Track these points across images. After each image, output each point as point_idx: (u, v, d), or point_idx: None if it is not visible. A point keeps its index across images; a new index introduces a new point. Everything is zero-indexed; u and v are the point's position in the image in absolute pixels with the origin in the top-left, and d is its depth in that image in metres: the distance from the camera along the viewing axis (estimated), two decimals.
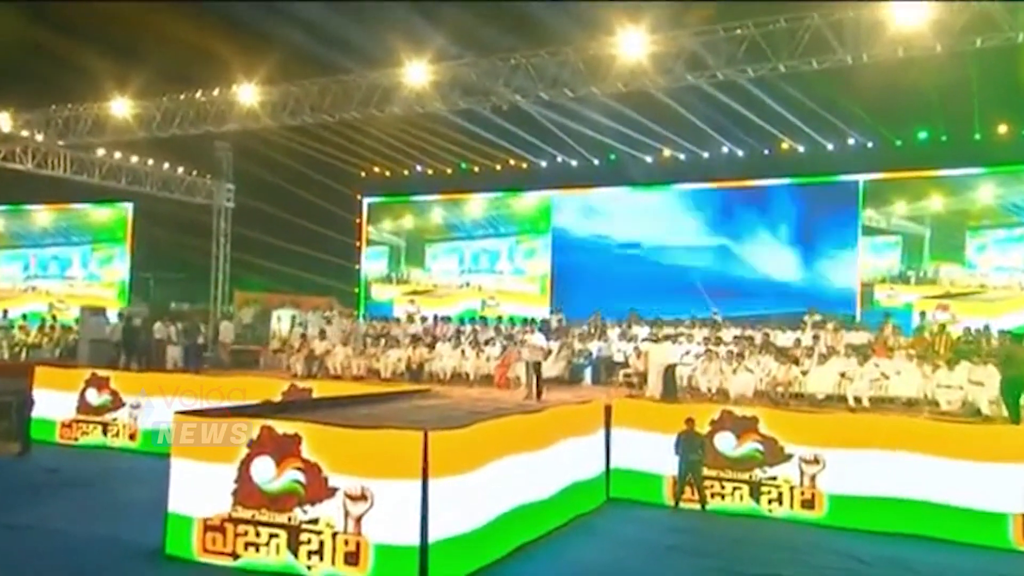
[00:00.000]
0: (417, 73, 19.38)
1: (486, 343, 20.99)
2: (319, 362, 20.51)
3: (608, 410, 14.76)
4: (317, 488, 10.08)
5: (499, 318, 23.73)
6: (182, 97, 22.11)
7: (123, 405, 17.63)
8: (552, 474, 12.34)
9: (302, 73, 20.72)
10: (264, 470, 10.33)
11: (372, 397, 14.78)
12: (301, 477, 10.15)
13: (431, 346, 20.86)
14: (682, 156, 25.97)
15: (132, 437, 17.49)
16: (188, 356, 20.29)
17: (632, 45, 17.54)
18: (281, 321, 24.20)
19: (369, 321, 25.11)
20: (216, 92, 21.74)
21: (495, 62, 18.78)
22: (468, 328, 22.78)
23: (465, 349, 20.30)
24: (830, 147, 24.80)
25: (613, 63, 17.95)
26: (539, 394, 15.89)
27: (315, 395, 16.79)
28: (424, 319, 25.00)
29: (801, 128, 23.72)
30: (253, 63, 20.52)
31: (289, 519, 10.14)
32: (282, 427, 10.38)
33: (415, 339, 21.10)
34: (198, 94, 21.94)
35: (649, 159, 26.20)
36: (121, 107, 22.55)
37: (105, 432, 17.70)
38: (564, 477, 12.78)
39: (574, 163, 27.11)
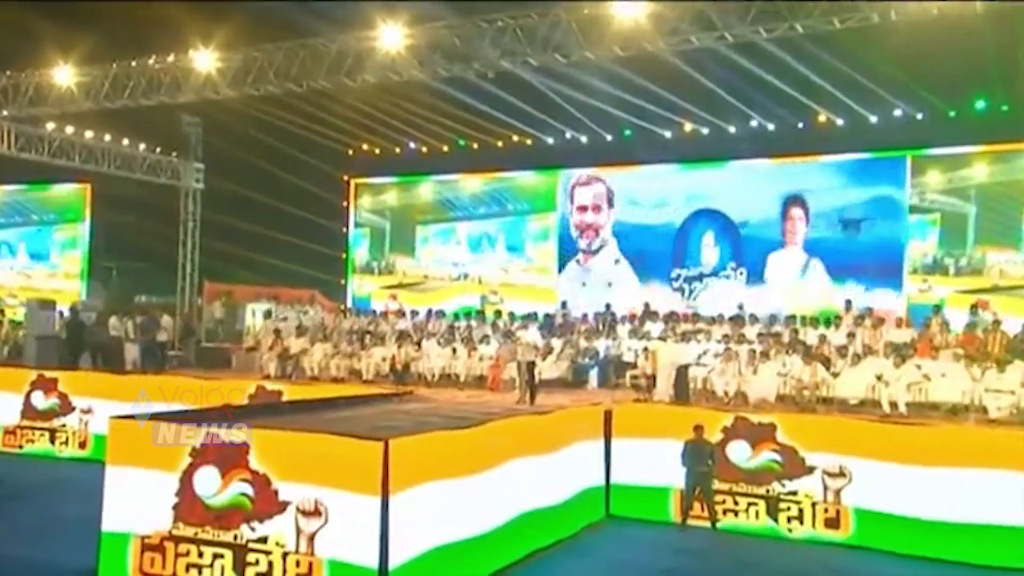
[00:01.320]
0: (392, 37, 19.23)
1: (481, 340, 20.92)
2: (294, 362, 20.49)
3: (608, 416, 14.67)
4: (266, 502, 9.99)
5: (498, 312, 23.55)
6: (133, 64, 22.01)
7: (73, 409, 17.67)
8: (533, 490, 12.26)
9: (266, 37, 20.61)
10: (208, 482, 10.26)
11: (345, 400, 14.76)
12: (249, 490, 10.07)
13: (420, 344, 20.78)
14: (705, 130, 25.72)
15: (83, 445, 17.54)
16: (146, 355, 20.31)
17: (628, 4, 17.32)
18: (256, 316, 24.21)
19: (354, 315, 25.02)
20: (171, 58, 21.65)
21: (479, 24, 18.61)
22: (463, 324, 22.68)
23: (457, 347, 20.22)
24: (873, 119, 24.47)
25: (609, 24, 17.74)
26: (532, 397, 15.80)
27: (285, 398, 16.75)
28: (416, 313, 24.98)
29: (840, 98, 23.42)
30: (211, 26, 20.43)
31: (235, 537, 10.07)
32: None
33: (402, 336, 21.03)
34: (151, 61, 21.84)
35: (668, 134, 25.97)
36: (65, 75, 22.47)
37: (53, 440, 17.77)
38: (549, 494, 12.68)
39: (584, 139, 26.93)
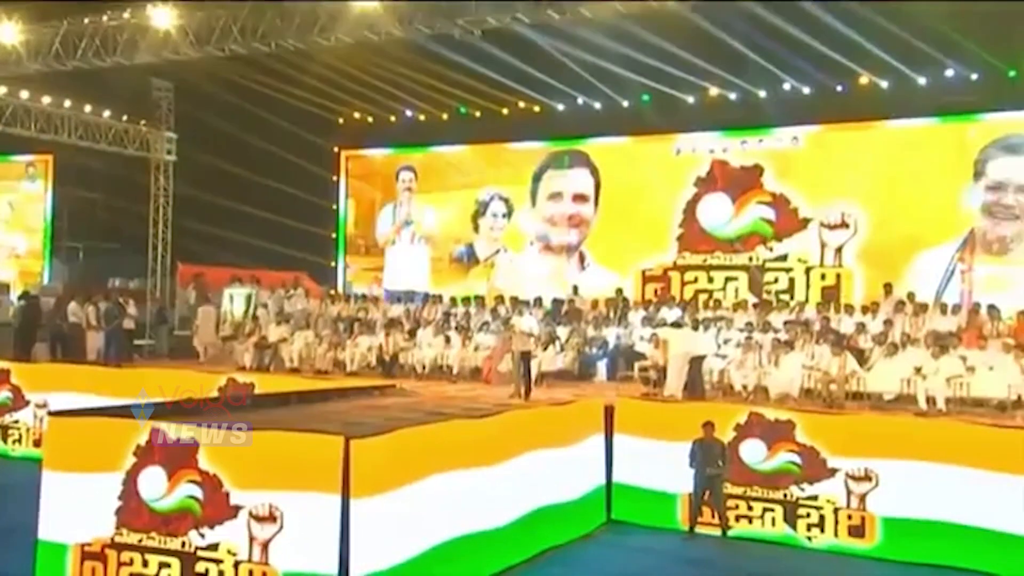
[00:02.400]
0: None
1: (480, 328, 20.87)
2: (272, 352, 20.52)
3: (609, 412, 14.61)
4: (217, 506, 10.06)
5: (499, 297, 23.44)
6: (86, 21, 21.89)
7: (26, 404, 17.80)
8: (516, 494, 12.28)
9: None
10: (154, 484, 10.34)
11: (319, 394, 14.94)
12: (198, 492, 10.15)
13: (412, 332, 20.76)
14: (732, 96, 25.44)
15: (37, 443, 17.62)
16: (109, 344, 20.40)
17: None
18: (234, 301, 24.24)
19: (342, 301, 25.04)
20: (127, 15, 21.50)
21: None
22: (460, 310, 22.62)
23: (451, 336, 20.16)
24: (922, 81, 24.10)
25: None
26: (528, 391, 15.75)
27: (257, 392, 16.88)
28: (412, 298, 24.91)
29: (885, 59, 23.06)
30: None
31: (183, 544, 10.15)
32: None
33: (392, 324, 21.00)
34: (104, 17, 21.72)
35: (692, 99, 25.71)
36: (8, 32, 22.37)
37: (4, 437, 17.91)
38: (535, 497, 12.70)
39: (597, 105, 26.70)
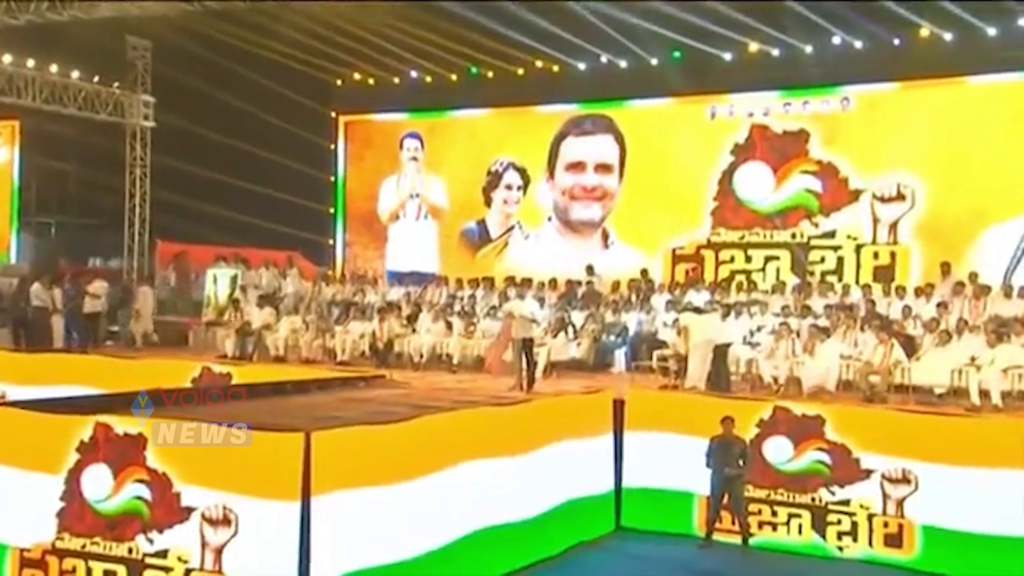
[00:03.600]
0: None
1: (487, 313, 20.93)
2: (256, 338, 20.67)
3: (619, 407, 14.60)
4: (166, 508, 10.19)
5: (510, 279, 23.38)
6: None
7: None
8: (499, 499, 12.35)
9: None
10: (98, 484, 10.48)
11: (298, 386, 15.06)
12: (146, 493, 10.27)
13: (411, 318, 20.83)
14: (775, 52, 25.18)
15: None
16: (71, 330, 20.58)
17: None
18: (218, 283, 24.40)
19: (338, 282, 25.18)
20: None
21: None
22: (466, 293, 22.68)
23: (453, 322, 20.21)
24: (991, 32, 23.75)
25: None
26: (530, 383, 15.78)
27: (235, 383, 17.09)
28: (419, 280, 24.96)
29: (949, 7, 22.74)
30: None
31: (130, 550, 10.29)
32: (123, 425, 10.42)
33: (389, 308, 21.08)
34: None
35: (729, 56, 25.49)
36: None
37: None
38: (521, 505, 12.71)
39: (623, 64, 26.53)
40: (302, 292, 23.92)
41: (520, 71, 27.48)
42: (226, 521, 9.91)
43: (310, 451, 9.77)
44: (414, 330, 20.45)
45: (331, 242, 29.84)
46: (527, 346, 16.05)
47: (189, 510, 10.04)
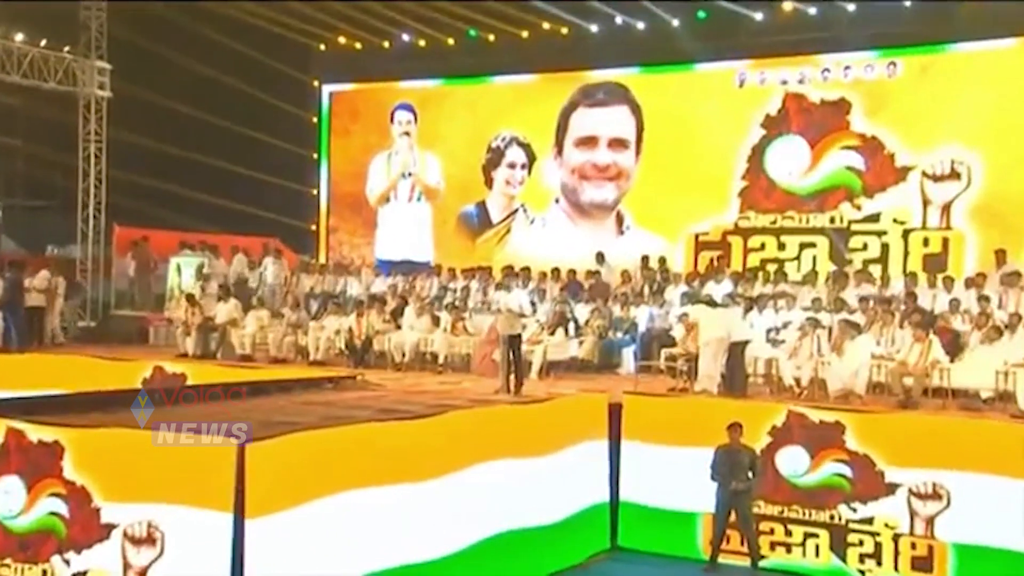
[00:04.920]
0: None
1: (479, 308, 21.00)
2: (220, 335, 20.75)
3: (616, 412, 14.57)
4: (85, 525, 10.25)
5: (508, 268, 23.37)
6: None
7: None
8: (466, 516, 12.37)
9: None
10: (9, 498, 10.50)
11: (257, 388, 15.15)
12: (63, 508, 10.32)
13: (396, 312, 20.89)
14: (812, 10, 25.07)
15: None
16: (9, 326, 20.65)
17: None
18: (182, 273, 24.49)
19: (318, 272, 25.29)
20: None
21: None
22: (460, 285, 22.74)
23: (441, 317, 20.23)
24: None
25: None
26: (518, 385, 15.75)
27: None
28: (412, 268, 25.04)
29: None
30: None
31: (45, 572, 10.32)
32: (37, 432, 10.46)
33: (372, 301, 21.14)
34: None
35: (760, 16, 25.40)
36: None
37: None
38: (494, 520, 12.77)
39: (640, 26, 26.47)
40: (277, 283, 24.02)
41: (525, 34, 27.49)
42: (151, 540, 9.94)
43: (244, 462, 9.77)
44: (398, 326, 20.47)
45: (313, 228, 29.97)
46: (513, 344, 16.00)
47: (110, 527, 10.08)
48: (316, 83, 30.08)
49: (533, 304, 18.22)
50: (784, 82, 24.88)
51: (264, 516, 9.80)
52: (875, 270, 22.31)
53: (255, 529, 9.73)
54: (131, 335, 23.68)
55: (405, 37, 28.86)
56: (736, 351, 16.31)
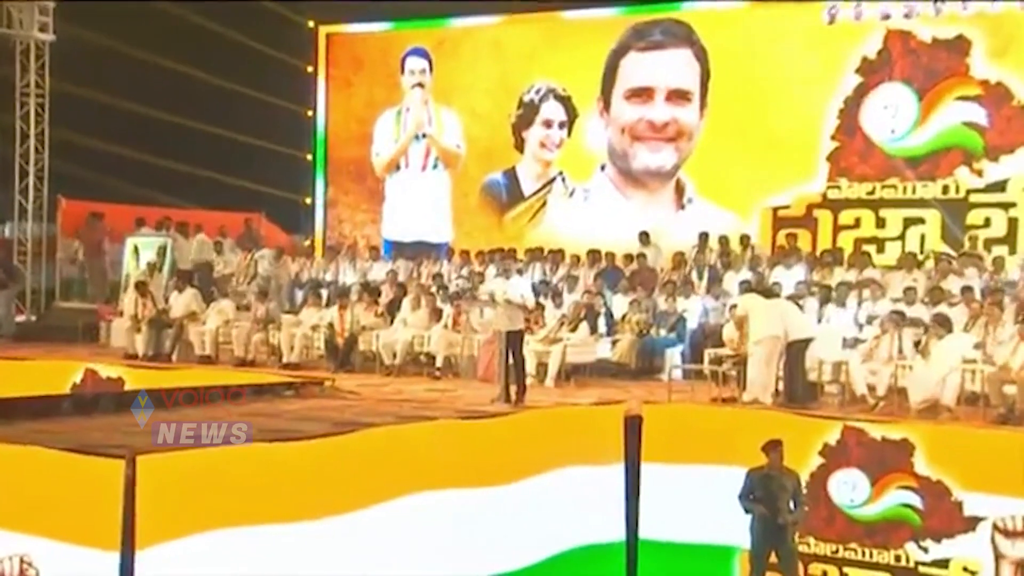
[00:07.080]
0: None
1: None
2: (176, 332, 21.03)
3: (635, 427, 14.60)
4: None
5: (535, 251, 23.59)
6: None
7: None
8: (454, 548, 12.56)
9: None
10: None
11: (196, 395, 15.33)
12: None
13: (391, 305, 21.08)
14: None
15: None
16: None
17: None
18: (140, 256, 24.80)
19: (306, 255, 25.59)
20: None
21: None
22: (475, 271, 22.92)
23: (444, 310, 20.39)
24: None
25: None
26: (520, 392, 15.93)
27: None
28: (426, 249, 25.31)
29: None
30: None
31: None
32: None
33: (363, 291, 21.39)
34: None
35: None
36: None
37: None
38: (494, 557, 13.03)
39: None
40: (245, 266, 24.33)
41: None
42: None
43: (134, 483, 9.90)
44: (392, 321, 20.62)
45: (308, 201, 30.20)
46: (513, 342, 16.13)
47: None
48: (311, 24, 30.33)
49: (538, 293, 18.34)
50: (886, 17, 24.74)
51: (159, 547, 9.96)
52: (1001, 251, 22.27)
53: (148, 562, 9.88)
54: (78, 332, 23.98)
55: None
56: (796, 352, 16.33)
